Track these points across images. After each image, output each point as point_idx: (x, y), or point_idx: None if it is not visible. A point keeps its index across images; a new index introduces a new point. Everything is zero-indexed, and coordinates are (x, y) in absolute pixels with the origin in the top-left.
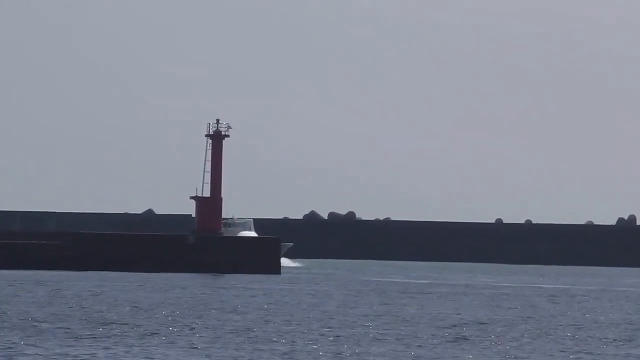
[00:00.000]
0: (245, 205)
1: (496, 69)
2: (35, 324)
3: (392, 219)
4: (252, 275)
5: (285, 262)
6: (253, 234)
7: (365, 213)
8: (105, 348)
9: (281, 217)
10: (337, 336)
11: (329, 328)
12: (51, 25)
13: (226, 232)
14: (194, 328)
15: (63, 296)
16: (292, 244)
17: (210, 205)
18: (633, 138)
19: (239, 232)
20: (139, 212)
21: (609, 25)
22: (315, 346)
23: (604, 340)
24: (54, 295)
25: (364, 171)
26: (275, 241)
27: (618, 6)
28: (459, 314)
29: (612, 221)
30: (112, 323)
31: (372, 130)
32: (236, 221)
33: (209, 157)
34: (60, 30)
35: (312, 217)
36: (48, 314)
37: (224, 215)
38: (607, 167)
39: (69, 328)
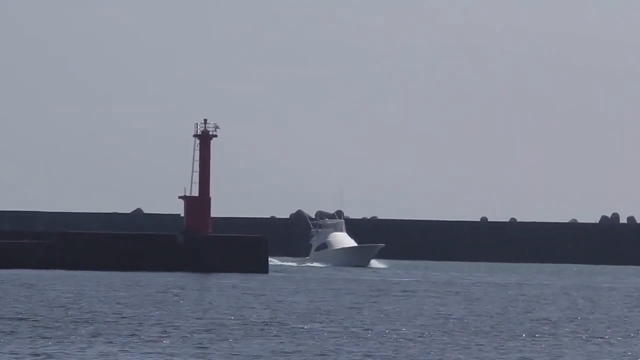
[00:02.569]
0: (232, 204)
1: (481, 72)
2: None
3: (379, 217)
4: (237, 275)
5: (374, 263)
6: (345, 235)
7: (353, 212)
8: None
9: (268, 216)
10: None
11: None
12: (39, 26)
13: (316, 234)
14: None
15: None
16: (383, 245)
17: (198, 204)
18: (616, 137)
19: (330, 233)
20: (128, 211)
21: (591, 38)
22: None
23: None
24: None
25: (351, 170)
26: (263, 241)
27: (598, 23)
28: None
29: (595, 219)
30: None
31: (358, 130)
32: (327, 222)
33: (197, 157)
34: (48, 31)
35: (298, 216)
36: None
37: (313, 215)
38: (590, 165)
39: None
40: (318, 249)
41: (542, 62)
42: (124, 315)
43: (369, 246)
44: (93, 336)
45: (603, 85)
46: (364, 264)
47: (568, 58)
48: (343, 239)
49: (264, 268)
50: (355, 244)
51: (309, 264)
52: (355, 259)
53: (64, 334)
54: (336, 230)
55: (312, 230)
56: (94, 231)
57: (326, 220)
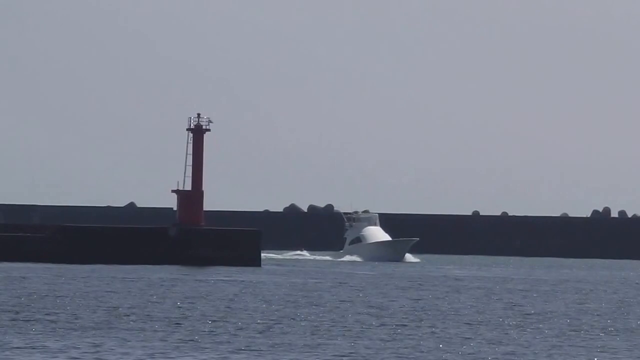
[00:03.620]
0: (226, 198)
1: (474, 63)
2: None
3: (371, 211)
4: (230, 268)
5: (408, 257)
6: (379, 229)
7: (345, 205)
8: None
9: (262, 210)
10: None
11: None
12: (36, 19)
13: (350, 227)
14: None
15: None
16: (418, 239)
17: (191, 198)
18: (607, 131)
19: (363, 227)
20: (121, 205)
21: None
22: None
23: None
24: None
25: (344, 163)
26: (256, 234)
27: None
28: None
29: (586, 213)
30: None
31: (351, 123)
32: (361, 216)
33: (190, 151)
34: (44, 25)
35: (292, 209)
36: None
37: (348, 210)
38: (582, 159)
39: None
40: (352, 242)
41: (530, 57)
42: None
43: (403, 240)
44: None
45: (595, 79)
46: (399, 258)
47: (564, 47)
48: (377, 233)
49: (256, 261)
50: (389, 238)
51: (343, 258)
52: (389, 253)
53: None
54: (370, 224)
55: (346, 224)
56: (88, 224)
57: (360, 214)
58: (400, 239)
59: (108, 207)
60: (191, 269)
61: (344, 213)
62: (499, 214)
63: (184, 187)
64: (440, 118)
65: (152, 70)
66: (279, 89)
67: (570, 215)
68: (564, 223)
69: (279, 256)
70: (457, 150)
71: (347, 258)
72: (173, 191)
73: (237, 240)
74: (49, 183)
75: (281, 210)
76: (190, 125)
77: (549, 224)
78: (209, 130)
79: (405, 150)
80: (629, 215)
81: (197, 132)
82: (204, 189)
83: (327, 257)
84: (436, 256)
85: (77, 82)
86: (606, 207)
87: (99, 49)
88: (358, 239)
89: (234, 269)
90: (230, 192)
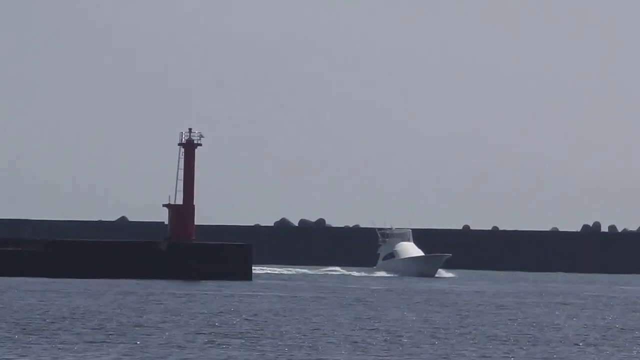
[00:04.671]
0: (217, 212)
1: (464, 76)
2: None
3: (361, 226)
4: (220, 282)
5: (441, 272)
6: (412, 245)
7: (335, 220)
8: None
9: (252, 224)
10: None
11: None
12: (25, 31)
13: (384, 243)
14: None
15: None
16: (450, 255)
17: (182, 212)
18: (598, 145)
19: (397, 242)
20: (113, 219)
21: None
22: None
23: None
24: None
25: (334, 178)
26: (247, 248)
27: None
28: None
29: (577, 228)
30: None
31: (339, 136)
32: (394, 231)
33: (182, 166)
34: (35, 38)
35: (282, 224)
36: None
37: (383, 226)
38: (572, 174)
39: None
40: (385, 258)
41: (520, 70)
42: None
43: (436, 256)
44: None
45: (584, 95)
46: (432, 273)
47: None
48: (410, 249)
49: (247, 276)
50: (422, 254)
51: (376, 274)
52: (422, 268)
53: None
54: (403, 240)
55: (380, 239)
56: (79, 239)
57: (393, 229)
58: (433, 254)
59: (99, 221)
60: (181, 283)
61: (378, 229)
62: (489, 228)
63: (175, 202)
64: (429, 132)
65: (144, 85)
66: (270, 103)
67: (561, 229)
68: (555, 237)
69: (312, 272)
70: (447, 166)
71: (380, 274)
72: (164, 205)
73: (228, 254)
74: (40, 197)
75: (272, 224)
76: (181, 139)
77: (539, 238)
78: (200, 145)
79: (397, 164)
80: (619, 229)
81: (189, 147)
82: (195, 203)
83: (361, 274)
84: (467, 271)
85: (69, 96)
86: (596, 222)
87: (90, 63)
88: (391, 255)
89: (224, 282)
90: (221, 207)
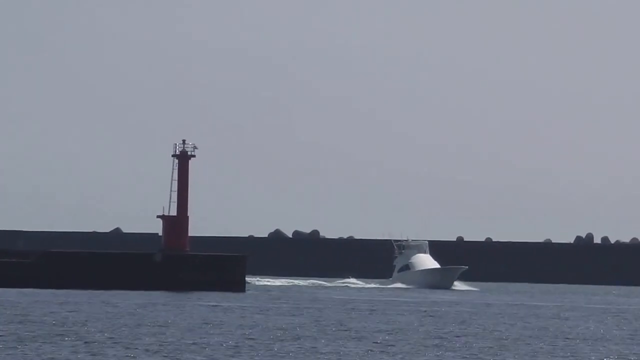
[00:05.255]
0: (210, 223)
1: (456, 86)
2: None
3: (355, 237)
4: (213, 293)
5: (458, 285)
6: (428, 257)
7: (329, 231)
8: None
9: (246, 235)
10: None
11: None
12: (18, 43)
13: (400, 255)
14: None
15: None
16: (467, 267)
17: (176, 223)
18: (591, 156)
19: (413, 254)
20: (107, 230)
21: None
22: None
23: None
24: None
25: (328, 190)
26: (241, 259)
27: None
28: None
29: (570, 239)
30: None
31: (333, 148)
32: (410, 243)
33: (176, 177)
34: (31, 49)
35: (276, 235)
36: None
37: (399, 237)
38: (565, 185)
39: None
40: (401, 270)
41: (512, 81)
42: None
43: (452, 268)
44: None
45: (581, 110)
46: (447, 285)
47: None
48: (426, 261)
49: (241, 287)
50: (438, 266)
51: (391, 285)
52: (438, 280)
53: None
54: (419, 252)
55: (396, 251)
56: (73, 250)
57: (410, 241)
58: (449, 266)
59: (94, 232)
60: (174, 295)
61: (394, 240)
62: (483, 239)
63: (169, 213)
64: (422, 143)
65: (138, 96)
66: (264, 114)
67: (554, 241)
68: (548, 249)
69: (327, 284)
70: (441, 177)
71: (396, 285)
72: (158, 216)
73: (222, 265)
74: (34, 208)
75: (266, 235)
76: (175, 151)
77: (532, 249)
78: (194, 156)
79: (389, 176)
80: (612, 241)
81: (182, 158)
82: (189, 214)
83: (376, 285)
84: (485, 284)
85: (63, 108)
86: (589, 233)
87: (84, 75)
88: (407, 267)
89: (217, 294)
90: (215, 218)
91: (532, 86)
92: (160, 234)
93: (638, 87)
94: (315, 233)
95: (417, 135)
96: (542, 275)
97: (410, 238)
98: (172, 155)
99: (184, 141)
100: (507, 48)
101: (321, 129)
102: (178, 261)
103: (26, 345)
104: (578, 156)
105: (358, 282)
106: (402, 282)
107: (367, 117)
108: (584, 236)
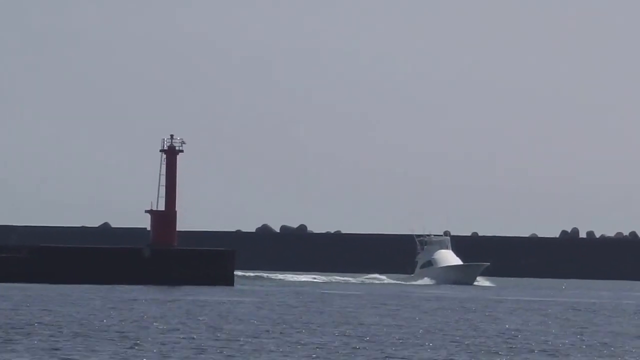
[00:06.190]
0: (199, 218)
1: (446, 88)
2: None
3: (343, 232)
4: (200, 287)
5: (479, 280)
6: (450, 253)
7: (316, 226)
8: None
9: (234, 230)
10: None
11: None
12: (15, 42)
13: (422, 251)
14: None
15: None
16: (489, 263)
17: (165, 218)
18: (577, 151)
19: (435, 250)
20: (96, 225)
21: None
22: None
23: None
24: None
25: (316, 185)
26: (230, 254)
27: None
28: None
29: (555, 234)
30: None
31: (320, 143)
32: (433, 239)
33: (164, 172)
34: (18, 44)
35: (264, 229)
36: None
37: (420, 232)
38: (550, 180)
39: None
40: (423, 266)
41: (500, 82)
42: None
43: (474, 264)
44: None
45: (567, 106)
46: (470, 281)
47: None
48: (448, 257)
49: (229, 281)
50: (460, 262)
51: (415, 282)
52: (460, 276)
53: None
54: (442, 248)
55: (418, 247)
56: (63, 244)
57: (432, 237)
58: (472, 263)
59: (83, 227)
60: (162, 289)
61: (416, 236)
62: (469, 234)
63: (157, 208)
64: (413, 142)
65: (126, 91)
66: (251, 109)
67: (540, 235)
68: (533, 243)
69: (353, 280)
70: (428, 173)
71: (419, 282)
72: (147, 211)
73: (211, 260)
74: (26, 204)
75: (254, 230)
76: (163, 146)
77: (518, 244)
78: (182, 151)
79: (378, 172)
80: (597, 235)
81: (170, 153)
82: (177, 209)
83: (398, 281)
84: (504, 279)
85: (51, 103)
86: (575, 228)
87: (72, 70)
88: (429, 263)
89: (204, 288)
90: (204, 213)
91: (517, 84)
92: (149, 228)
93: (619, 83)
94: (302, 227)
95: (402, 133)
96: (528, 269)
97: (433, 233)
98: (160, 150)
99: (171, 136)
100: (493, 49)
101: (310, 125)
102: (167, 256)
103: None
104: (564, 151)
105: (380, 276)
106: (425, 278)
107: (354, 114)
108: (569, 230)
